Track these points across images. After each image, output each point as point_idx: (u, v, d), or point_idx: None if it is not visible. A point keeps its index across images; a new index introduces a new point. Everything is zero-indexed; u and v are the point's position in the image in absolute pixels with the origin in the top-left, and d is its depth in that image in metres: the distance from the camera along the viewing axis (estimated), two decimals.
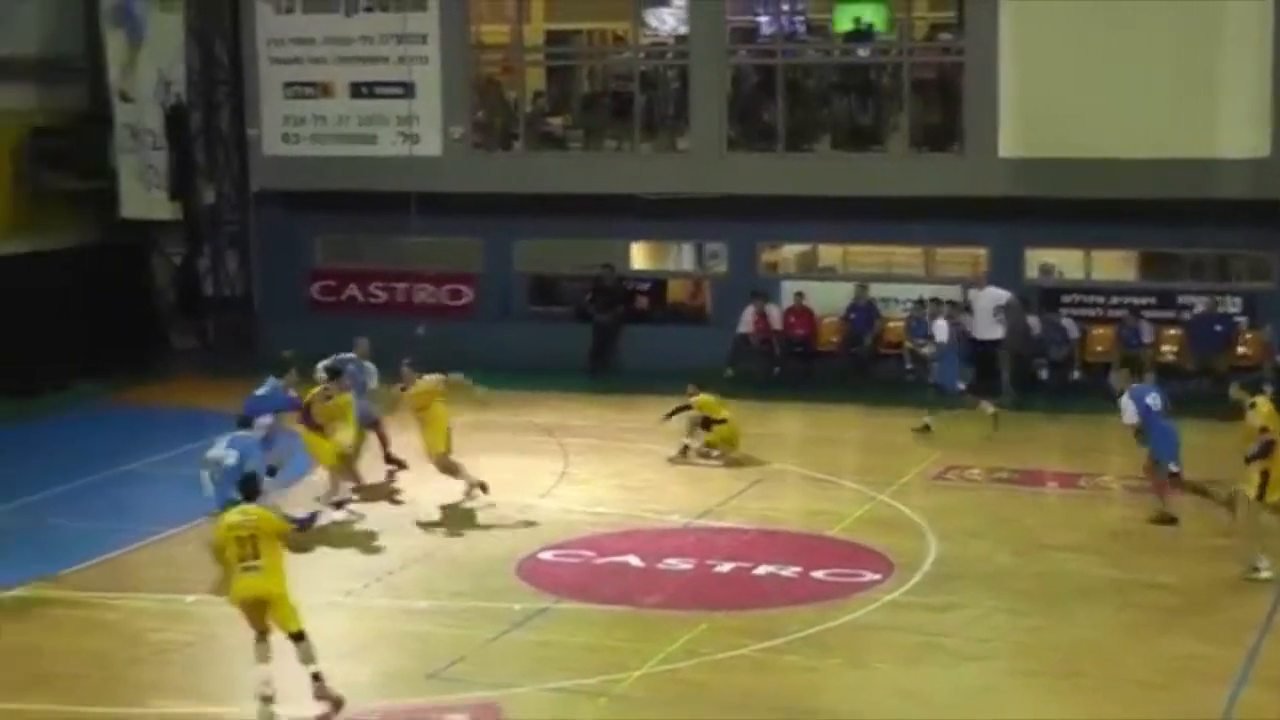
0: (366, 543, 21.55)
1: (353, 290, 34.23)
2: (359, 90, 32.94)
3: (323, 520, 21.69)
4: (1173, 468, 21.27)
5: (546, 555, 20.78)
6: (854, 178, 30.39)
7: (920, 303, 29.97)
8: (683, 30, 32.56)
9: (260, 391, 22.62)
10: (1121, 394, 21.51)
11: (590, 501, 23.26)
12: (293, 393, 22.76)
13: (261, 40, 33.32)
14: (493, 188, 32.20)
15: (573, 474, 24.86)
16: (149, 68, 32.97)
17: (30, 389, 30.28)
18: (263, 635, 16.01)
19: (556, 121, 33.86)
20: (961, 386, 26.73)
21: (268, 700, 15.82)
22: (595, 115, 33.49)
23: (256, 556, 15.82)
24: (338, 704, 15.87)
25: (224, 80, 33.95)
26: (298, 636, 15.94)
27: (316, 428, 22.76)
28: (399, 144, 32.69)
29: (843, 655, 17.20)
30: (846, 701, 16.08)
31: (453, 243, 33.43)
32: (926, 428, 26.62)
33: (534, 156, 32.78)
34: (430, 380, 22.97)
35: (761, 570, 20.00)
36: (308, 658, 15.96)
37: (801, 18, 33.06)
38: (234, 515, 16.14)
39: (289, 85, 33.29)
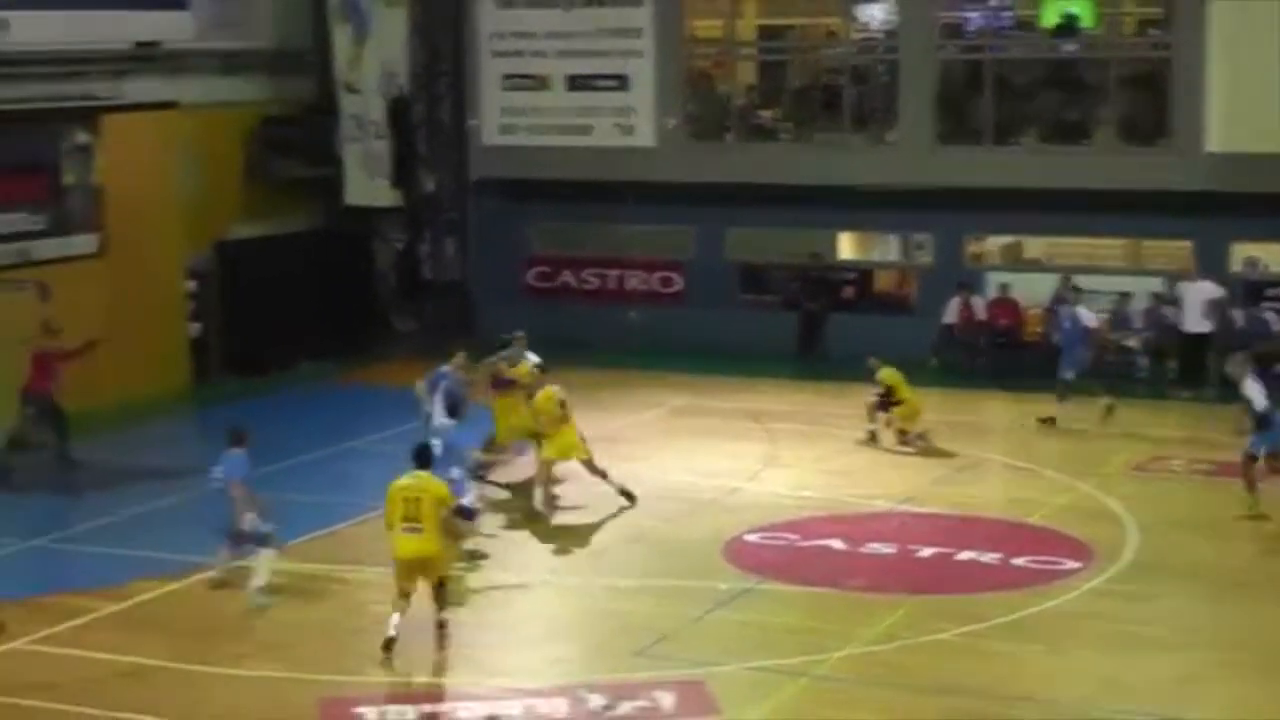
0: (577, 524, 22.04)
1: (567, 276, 34.77)
2: (575, 83, 33.59)
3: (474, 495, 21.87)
4: (1263, 450, 21.46)
5: (752, 537, 21.16)
6: (1060, 171, 30.39)
7: (1124, 295, 30.08)
8: (892, 25, 32.85)
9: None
10: (1243, 379, 21.80)
11: (796, 485, 23.57)
12: (460, 374, 23.19)
13: (483, 34, 34.00)
14: (705, 177, 32.54)
15: (779, 458, 25.19)
16: (374, 61, 33.72)
17: (260, 368, 31.34)
18: (405, 594, 17.20)
19: (767, 114, 34.19)
20: (1069, 376, 26.81)
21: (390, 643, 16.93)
22: (805, 108, 33.72)
23: (419, 519, 16.92)
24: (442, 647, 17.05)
25: (445, 73, 34.55)
26: (440, 584, 17.16)
27: (508, 385, 23.43)
28: (614, 135, 33.29)
29: (1043, 641, 17.38)
30: (1046, 687, 16.23)
31: (665, 231, 33.87)
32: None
33: (745, 148, 33.13)
34: (556, 393, 22.60)
35: (963, 556, 20.25)
36: (443, 604, 17.19)
37: (1009, 13, 33.06)
38: (406, 479, 17.18)
39: (508, 78, 33.98)
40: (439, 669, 17.02)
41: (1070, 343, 27.14)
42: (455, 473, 19.92)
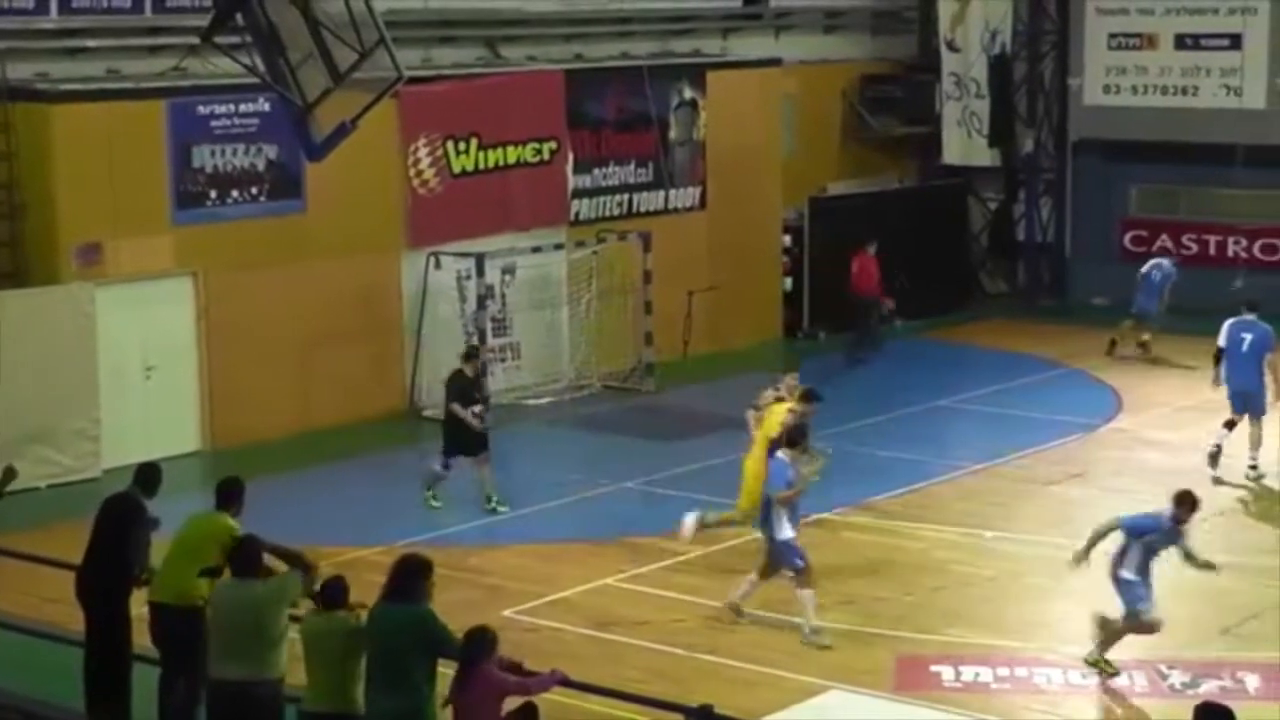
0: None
1: (1165, 241, 33.70)
2: (1183, 42, 32.85)
3: None
4: None
5: None
6: None
7: None
8: None
9: None
10: None
11: None
12: None
13: None
14: None
15: None
16: (978, 18, 33.66)
17: (848, 324, 31.42)
18: None
19: None
20: None
21: None
22: None
23: None
24: None
25: (1050, 31, 34.21)
26: None
27: None
28: (1221, 96, 32.42)
29: None
30: None
31: (1272, 196, 32.52)
32: None
33: None
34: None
35: None
36: None
37: None
38: None
39: (1114, 36, 33.50)
40: (1016, 634, 16.90)
41: None
42: None
